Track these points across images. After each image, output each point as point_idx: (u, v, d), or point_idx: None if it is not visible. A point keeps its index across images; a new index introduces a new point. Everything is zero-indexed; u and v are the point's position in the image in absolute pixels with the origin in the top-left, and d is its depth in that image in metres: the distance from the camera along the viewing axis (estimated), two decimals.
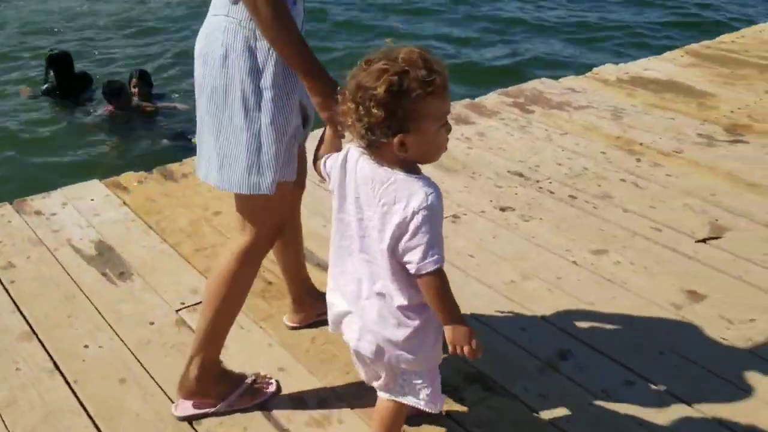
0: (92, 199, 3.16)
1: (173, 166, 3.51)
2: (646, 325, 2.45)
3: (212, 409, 1.98)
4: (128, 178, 3.37)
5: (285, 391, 2.11)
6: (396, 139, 1.43)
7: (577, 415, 2.06)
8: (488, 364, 2.20)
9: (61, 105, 6.33)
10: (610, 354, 2.31)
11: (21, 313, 2.42)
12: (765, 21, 6.65)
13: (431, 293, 1.51)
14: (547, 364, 2.25)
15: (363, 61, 1.45)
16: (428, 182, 1.48)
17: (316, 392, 2.11)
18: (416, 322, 1.58)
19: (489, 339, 2.35)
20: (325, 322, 2.33)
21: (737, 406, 2.12)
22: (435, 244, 1.46)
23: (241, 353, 2.23)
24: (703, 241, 2.97)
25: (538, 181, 3.42)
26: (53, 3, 9.61)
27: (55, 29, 8.57)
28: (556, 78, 4.97)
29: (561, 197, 3.29)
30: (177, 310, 2.44)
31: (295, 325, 2.34)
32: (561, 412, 2.07)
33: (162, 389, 2.10)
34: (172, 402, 2.03)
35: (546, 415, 2.06)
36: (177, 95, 6.49)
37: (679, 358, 2.31)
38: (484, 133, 4.00)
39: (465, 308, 2.43)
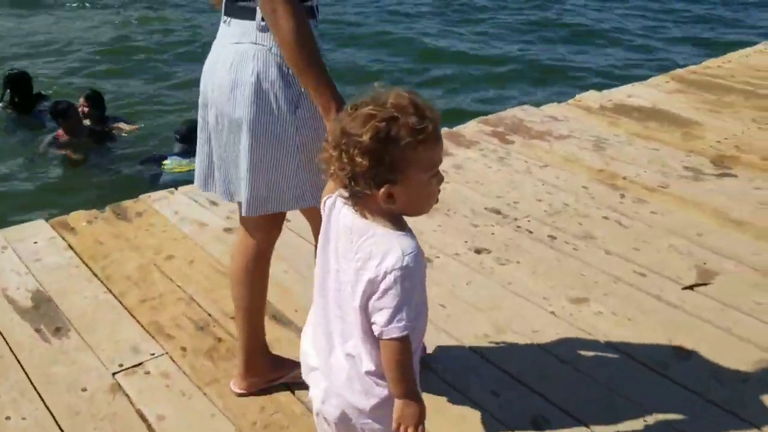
0: (35, 242, 2.93)
1: (128, 203, 3.29)
2: (629, 387, 2.25)
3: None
4: (77, 217, 3.15)
5: None
6: (382, 190, 1.32)
7: None
8: None
9: (14, 128, 6.08)
10: (589, 421, 2.11)
11: None
12: (751, 45, 6.53)
13: (390, 360, 1.38)
14: None
15: (349, 106, 1.37)
16: (409, 240, 1.36)
17: None
18: (385, 392, 1.42)
19: (456, 403, 2.15)
20: (277, 388, 2.17)
21: None
22: (404, 309, 1.34)
23: (180, 424, 2.01)
24: (690, 288, 2.78)
25: (516, 219, 3.23)
26: (23, 24, 9.42)
27: (21, 52, 8.35)
28: (537, 106, 4.80)
29: (540, 237, 3.10)
30: (114, 373, 2.21)
31: (242, 391, 2.13)
32: None
33: None
34: None
35: None
36: (142, 123, 6.24)
37: (666, 426, 2.11)
38: (462, 165, 3.81)
39: (434, 365, 2.22)
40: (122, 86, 7.27)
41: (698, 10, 10.56)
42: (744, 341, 2.48)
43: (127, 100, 6.86)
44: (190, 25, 9.70)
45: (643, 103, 4.85)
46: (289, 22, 1.64)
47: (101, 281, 2.69)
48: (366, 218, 1.37)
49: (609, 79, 7.27)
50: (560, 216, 3.28)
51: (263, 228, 1.97)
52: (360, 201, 1.37)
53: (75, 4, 10.48)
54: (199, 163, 1.96)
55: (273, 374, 2.14)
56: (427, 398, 1.46)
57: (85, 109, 5.80)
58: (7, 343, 2.34)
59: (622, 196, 3.50)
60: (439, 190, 1.40)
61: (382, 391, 1.43)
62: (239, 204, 1.92)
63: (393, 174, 1.31)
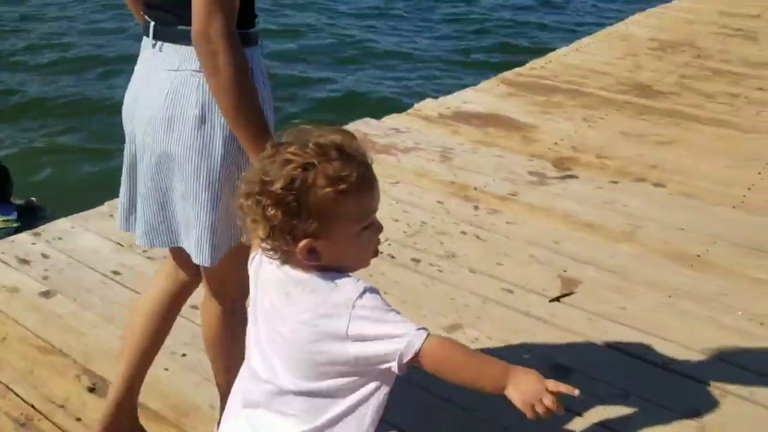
0: None
1: None
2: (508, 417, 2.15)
3: None
4: None
5: None
6: (301, 245, 1.16)
7: None
8: None
9: None
10: None
11: None
12: (561, 45, 6.85)
13: (449, 369, 1.18)
14: None
15: (272, 144, 1.21)
16: (355, 279, 1.20)
17: None
18: None
19: None
20: None
21: None
22: (397, 319, 1.16)
23: None
24: (557, 299, 2.76)
25: None
26: None
27: None
28: (378, 117, 4.69)
29: (403, 262, 2.96)
30: None
31: None
32: None
33: None
34: None
35: None
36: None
37: None
38: None
39: None
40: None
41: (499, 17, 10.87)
42: (621, 353, 2.48)
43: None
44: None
45: (479, 108, 4.89)
46: (230, 68, 1.44)
47: None
48: (300, 271, 1.21)
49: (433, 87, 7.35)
50: (420, 236, 3.16)
51: (229, 273, 1.70)
52: (285, 255, 1.20)
53: None
54: (121, 201, 1.76)
55: None
56: None
57: None
58: None
59: (476, 207, 3.46)
60: (378, 241, 1.24)
61: None
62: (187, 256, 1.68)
63: (312, 227, 1.15)
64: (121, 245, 2.97)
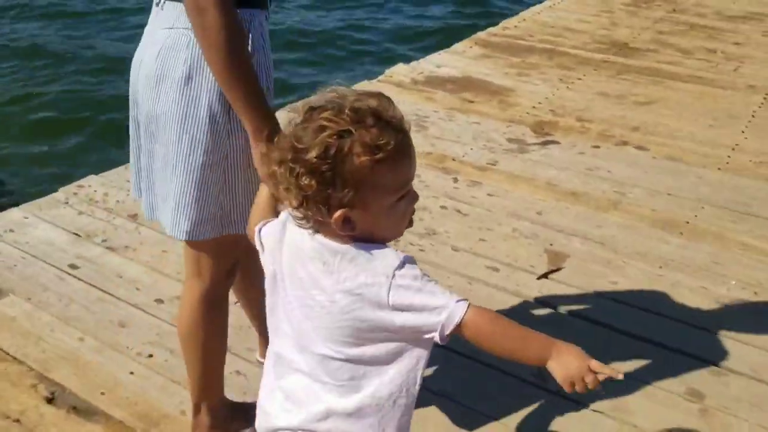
0: None
1: None
2: (506, 405, 2.03)
3: None
4: None
5: None
6: (336, 215, 1.11)
7: None
8: None
9: None
10: None
11: None
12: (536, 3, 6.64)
13: (493, 340, 1.15)
14: None
15: (304, 108, 1.14)
16: (394, 249, 1.16)
17: None
18: None
19: None
20: None
21: None
22: (438, 290, 1.13)
23: None
24: (545, 276, 2.63)
25: None
26: None
27: None
28: (348, 85, 4.47)
29: None
30: None
31: None
32: None
33: None
34: None
35: None
36: None
37: None
38: None
39: None
40: None
41: None
42: (611, 329, 2.36)
43: None
44: None
45: (453, 72, 4.70)
46: (218, 26, 1.38)
47: None
48: (335, 240, 1.16)
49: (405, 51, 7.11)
50: None
51: (207, 255, 1.65)
52: (318, 225, 1.16)
53: None
54: (132, 167, 1.69)
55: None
56: None
57: None
58: None
59: (455, 180, 3.30)
60: (413, 210, 1.19)
61: None
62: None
63: (348, 197, 1.10)
64: (79, 235, 2.77)
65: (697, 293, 2.56)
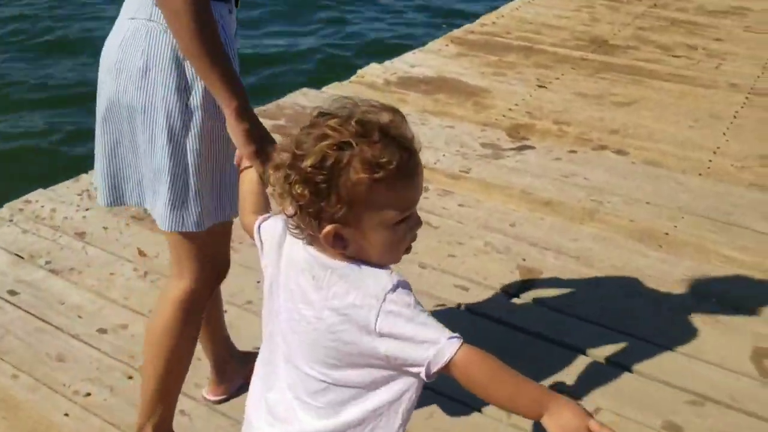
0: None
1: None
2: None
3: None
4: None
5: None
6: (326, 230, 1.05)
7: None
8: None
9: None
10: None
11: None
12: None
13: (481, 383, 1.06)
14: None
15: (314, 113, 1.09)
16: (388, 271, 1.09)
17: None
18: None
19: None
20: None
21: None
22: (430, 322, 1.05)
23: None
24: (516, 294, 2.49)
25: None
26: None
27: None
28: (318, 87, 4.32)
29: None
30: None
31: (219, 398, 1.96)
32: None
33: None
34: None
35: None
36: None
37: None
38: None
39: None
40: None
41: None
42: (585, 355, 2.22)
43: None
44: None
45: (428, 72, 4.55)
46: (188, 14, 1.35)
47: None
48: (327, 256, 1.10)
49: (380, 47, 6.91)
50: None
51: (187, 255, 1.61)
52: (311, 237, 1.10)
53: None
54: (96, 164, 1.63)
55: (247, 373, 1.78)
56: None
57: None
58: None
59: (426, 189, 3.16)
60: (414, 236, 1.11)
61: None
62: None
63: (341, 212, 1.04)
64: (21, 257, 2.60)
65: (677, 313, 2.43)
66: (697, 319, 2.40)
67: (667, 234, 2.88)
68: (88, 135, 1.77)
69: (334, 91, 4.22)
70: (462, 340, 1.04)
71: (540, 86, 4.35)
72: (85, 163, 2.98)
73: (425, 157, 3.38)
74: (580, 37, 5.26)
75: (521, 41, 5.14)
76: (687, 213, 3.03)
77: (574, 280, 2.59)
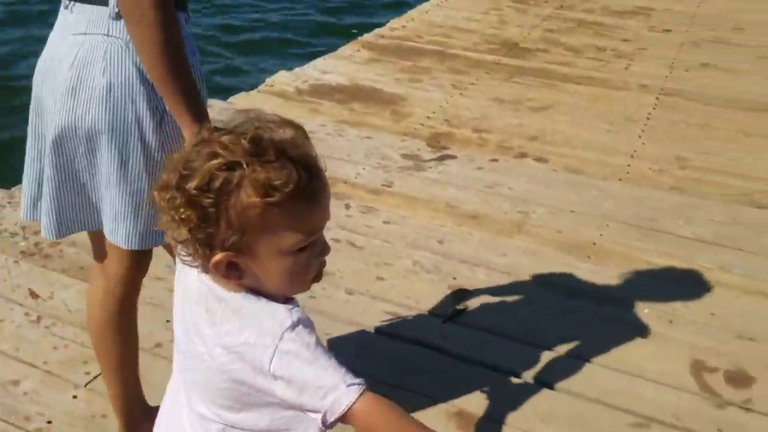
0: None
1: None
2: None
3: None
4: None
5: None
6: (216, 258, 0.96)
7: None
8: None
9: None
10: None
11: None
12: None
13: None
14: None
15: (210, 127, 1.00)
16: (288, 306, 1.00)
17: None
18: None
19: None
20: None
21: None
22: (331, 366, 0.96)
23: None
24: (450, 319, 2.37)
25: None
26: None
27: None
28: (224, 98, 4.09)
29: None
30: None
31: None
32: None
33: None
34: None
35: None
36: None
37: None
38: None
39: None
40: None
41: None
42: (521, 379, 2.13)
43: None
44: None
45: (340, 80, 4.40)
46: (160, 33, 1.33)
47: None
48: (221, 287, 1.01)
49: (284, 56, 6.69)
50: None
51: (130, 262, 1.61)
52: (204, 266, 1.00)
53: None
54: (27, 184, 1.60)
55: None
56: None
57: None
58: None
59: (347, 206, 3.00)
60: (323, 263, 1.02)
61: None
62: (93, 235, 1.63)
63: (232, 240, 0.95)
64: None
65: (611, 326, 2.38)
66: (632, 333, 2.35)
67: (594, 244, 2.84)
68: None
69: (242, 101, 4.01)
70: (363, 387, 0.96)
71: (456, 91, 4.27)
72: None
73: (345, 170, 3.25)
74: (491, 40, 5.24)
75: (434, 45, 5.06)
76: (612, 220, 3.00)
77: (504, 297, 2.50)
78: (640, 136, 3.81)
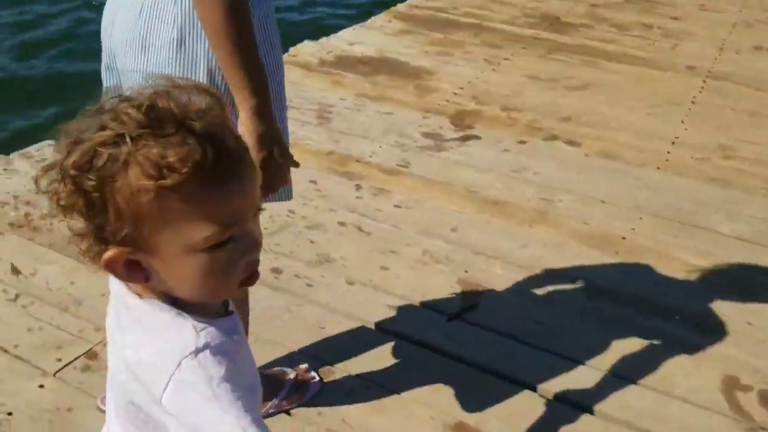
0: None
1: None
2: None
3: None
4: None
5: None
6: (107, 255, 0.78)
7: None
8: None
9: None
10: None
11: None
12: None
13: None
14: None
15: (111, 95, 0.81)
16: (203, 324, 0.82)
17: None
18: None
19: None
20: None
21: None
22: (236, 409, 0.77)
23: None
24: (456, 316, 2.18)
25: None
26: None
27: None
28: None
29: (261, 274, 2.29)
30: None
31: None
32: None
33: None
34: None
35: None
36: None
37: None
38: None
39: None
40: None
41: None
42: (533, 392, 1.92)
43: None
44: None
45: (368, 51, 4.18)
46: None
47: None
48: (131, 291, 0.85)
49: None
50: (285, 233, 2.49)
51: None
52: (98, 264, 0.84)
53: None
54: None
55: None
56: None
57: None
58: None
59: (358, 187, 2.81)
60: (253, 261, 0.84)
61: None
62: None
63: (123, 233, 0.77)
64: None
65: (635, 333, 2.15)
66: (659, 342, 2.12)
67: (624, 238, 2.60)
68: None
69: None
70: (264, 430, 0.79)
71: (488, 66, 4.02)
72: None
73: (360, 148, 3.06)
74: (531, 14, 4.95)
75: (469, 18, 4.80)
76: (645, 213, 2.75)
77: (522, 295, 2.29)
78: (683, 121, 3.53)
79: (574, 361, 2.02)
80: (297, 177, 2.79)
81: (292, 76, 3.75)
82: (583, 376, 1.97)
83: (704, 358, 2.07)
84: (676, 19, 4.98)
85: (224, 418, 0.77)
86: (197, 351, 0.79)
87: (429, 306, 2.21)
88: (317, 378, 1.88)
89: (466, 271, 2.37)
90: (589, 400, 1.90)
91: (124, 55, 1.37)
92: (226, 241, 0.79)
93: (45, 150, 2.84)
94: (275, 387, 1.82)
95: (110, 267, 0.80)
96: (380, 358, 2.00)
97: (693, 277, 2.42)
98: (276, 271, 2.30)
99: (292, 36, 4.85)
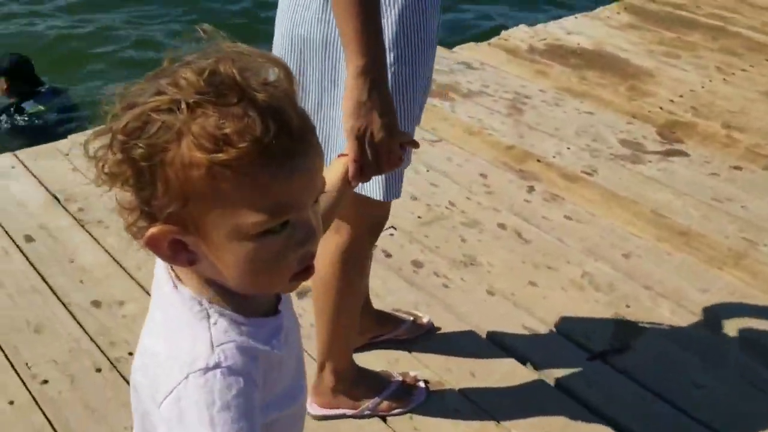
0: None
1: None
2: None
3: (352, 411, 1.68)
4: None
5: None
6: (150, 233, 0.71)
7: None
8: None
9: None
10: None
11: None
12: None
13: None
14: None
15: (170, 57, 0.73)
16: (224, 330, 0.74)
17: None
18: None
19: None
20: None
21: None
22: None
23: None
24: (599, 356, 1.91)
25: None
26: None
27: None
28: (450, 46, 3.78)
29: (399, 265, 2.17)
30: None
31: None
32: None
33: None
34: None
35: None
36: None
37: None
38: None
39: None
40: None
41: None
42: None
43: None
44: None
45: (583, 42, 3.85)
46: None
47: None
48: (167, 272, 0.78)
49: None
50: (438, 225, 2.35)
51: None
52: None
53: None
54: None
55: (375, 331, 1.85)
56: None
57: (5, 84, 4.09)
58: None
59: (531, 189, 2.58)
60: (308, 254, 0.75)
61: None
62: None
63: (171, 209, 0.70)
64: (57, 198, 2.37)
65: None
66: None
67: None
68: None
69: (465, 53, 3.66)
70: None
71: (719, 75, 3.53)
72: None
73: (544, 147, 2.82)
74: None
75: (712, 19, 4.25)
76: None
77: (687, 349, 1.96)
78: None
79: None
80: (468, 167, 2.67)
81: (495, 61, 3.57)
82: None
83: None
84: None
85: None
86: (206, 369, 0.72)
87: (572, 337, 1.96)
88: (423, 386, 1.75)
89: (628, 306, 2.08)
90: None
91: (298, 48, 1.36)
92: (281, 228, 0.71)
93: None
94: (378, 386, 1.71)
95: (153, 245, 0.73)
96: (500, 383, 1.81)
97: None
98: (416, 264, 2.18)
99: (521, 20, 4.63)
